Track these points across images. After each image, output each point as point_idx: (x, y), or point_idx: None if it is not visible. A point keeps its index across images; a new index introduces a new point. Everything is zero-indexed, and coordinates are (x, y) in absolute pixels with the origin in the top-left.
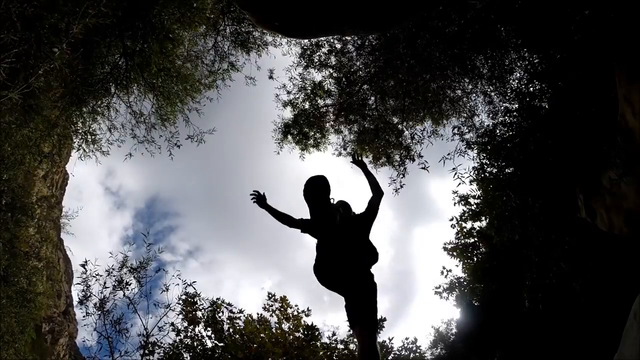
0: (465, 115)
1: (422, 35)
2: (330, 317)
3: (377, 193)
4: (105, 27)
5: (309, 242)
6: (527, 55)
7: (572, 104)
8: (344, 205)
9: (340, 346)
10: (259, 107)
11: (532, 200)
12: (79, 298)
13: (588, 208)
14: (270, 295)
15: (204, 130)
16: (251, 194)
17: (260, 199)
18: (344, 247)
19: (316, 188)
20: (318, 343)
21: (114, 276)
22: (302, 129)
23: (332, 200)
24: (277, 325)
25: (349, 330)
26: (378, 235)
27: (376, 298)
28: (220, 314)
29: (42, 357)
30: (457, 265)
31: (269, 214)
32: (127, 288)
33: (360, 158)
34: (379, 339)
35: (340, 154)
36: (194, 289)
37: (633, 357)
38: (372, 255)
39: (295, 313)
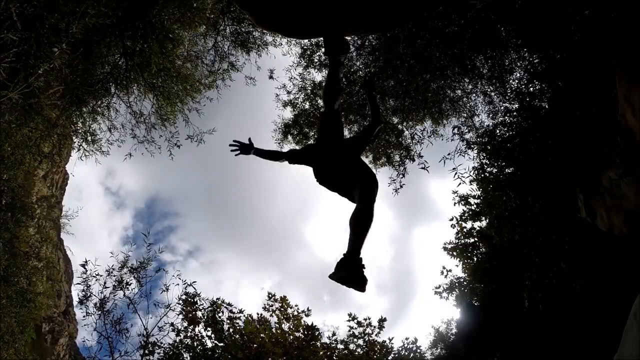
0: (465, 115)
1: (422, 35)
2: (330, 317)
3: (375, 121)
4: (105, 27)
5: (309, 242)
6: (527, 55)
7: (572, 104)
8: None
9: (340, 346)
10: (259, 107)
11: (532, 200)
12: (79, 298)
13: (588, 208)
14: (270, 295)
15: (204, 130)
16: (232, 147)
17: (245, 148)
18: (339, 153)
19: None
20: (318, 343)
21: (114, 276)
22: (303, 129)
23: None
24: (277, 325)
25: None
26: (378, 235)
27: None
28: (220, 314)
29: (42, 357)
30: (457, 265)
31: (259, 157)
32: (127, 288)
33: (372, 81)
34: (379, 339)
35: None
36: (194, 289)
37: (633, 357)
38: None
39: (295, 313)
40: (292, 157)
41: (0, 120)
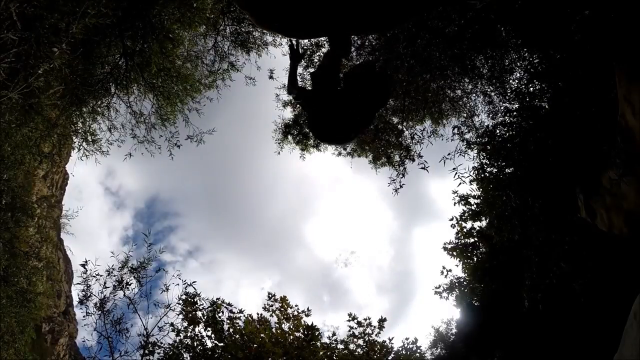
0: (465, 115)
1: (422, 35)
2: (330, 317)
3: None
4: (105, 27)
5: (309, 242)
6: (527, 55)
7: (572, 104)
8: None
9: (340, 346)
10: (259, 107)
11: (532, 200)
12: (79, 298)
13: (588, 208)
14: (270, 295)
15: (204, 130)
16: (291, 48)
17: (296, 56)
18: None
19: None
20: (318, 343)
21: (114, 276)
22: (303, 129)
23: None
24: (277, 325)
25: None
26: (378, 235)
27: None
28: (220, 314)
29: (42, 357)
30: (457, 265)
31: (289, 72)
32: (127, 288)
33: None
34: (379, 339)
35: (340, 153)
36: (194, 289)
37: (633, 357)
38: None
39: (295, 313)
40: (298, 95)
41: (0, 120)
